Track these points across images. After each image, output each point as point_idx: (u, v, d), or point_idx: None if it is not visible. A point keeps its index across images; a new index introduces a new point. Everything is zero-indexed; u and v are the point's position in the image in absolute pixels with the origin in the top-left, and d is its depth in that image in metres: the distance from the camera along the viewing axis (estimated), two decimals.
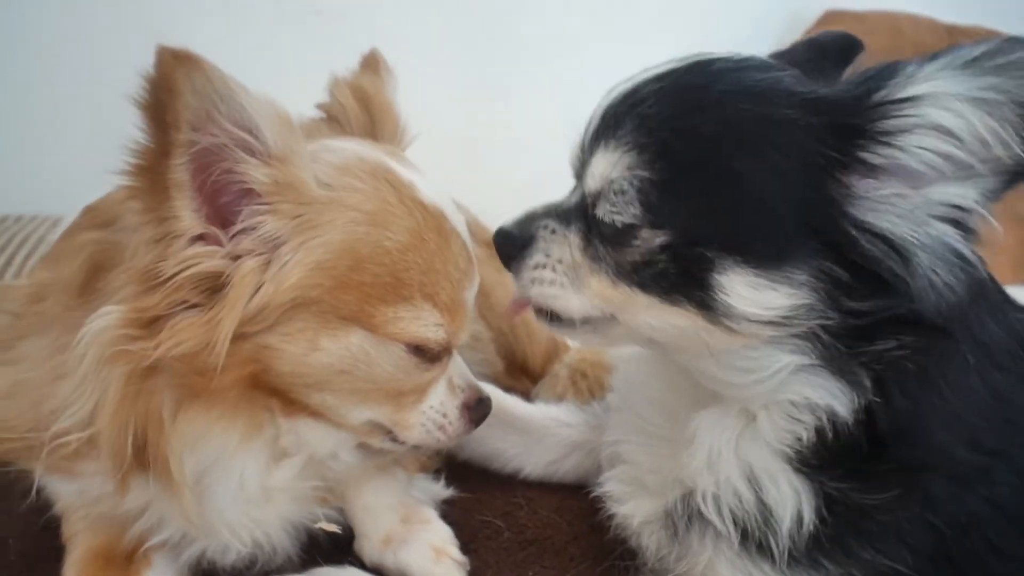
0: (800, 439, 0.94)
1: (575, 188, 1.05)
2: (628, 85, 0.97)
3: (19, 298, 1.09)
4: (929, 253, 0.84)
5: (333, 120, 1.19)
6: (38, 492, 1.11)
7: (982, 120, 0.79)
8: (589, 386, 1.58)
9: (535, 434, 1.38)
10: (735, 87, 0.92)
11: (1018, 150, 0.79)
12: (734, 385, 0.98)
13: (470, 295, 1.04)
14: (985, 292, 0.97)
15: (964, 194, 0.83)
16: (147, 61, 0.80)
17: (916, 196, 0.84)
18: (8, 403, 1.02)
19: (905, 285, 0.85)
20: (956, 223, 0.84)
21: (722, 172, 0.89)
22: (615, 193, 0.92)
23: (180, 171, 0.84)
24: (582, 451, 1.36)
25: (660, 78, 0.95)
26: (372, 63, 1.24)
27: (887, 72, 0.85)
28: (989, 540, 0.97)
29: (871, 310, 0.88)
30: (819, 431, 0.93)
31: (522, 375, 1.62)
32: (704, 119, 0.90)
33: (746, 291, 0.88)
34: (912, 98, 0.82)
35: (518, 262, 1.03)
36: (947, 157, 0.81)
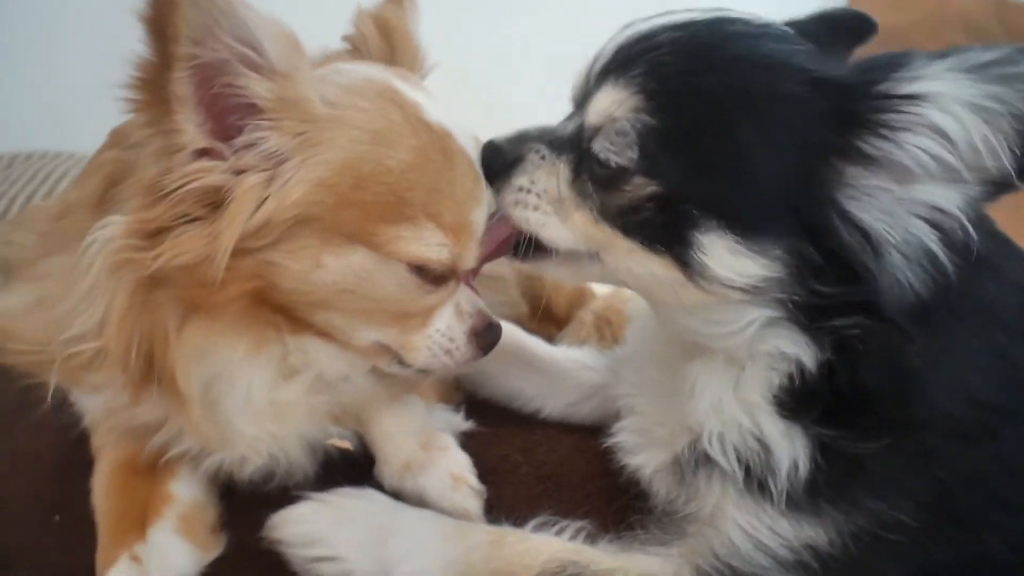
0: (775, 383, 0.97)
1: (571, 116, 1.05)
2: (645, 27, 0.97)
3: (46, 218, 1.14)
4: (902, 254, 0.85)
5: (356, 51, 1.19)
6: (70, 406, 1.17)
7: (978, 128, 0.79)
8: (613, 333, 1.57)
9: (556, 375, 1.38)
10: (751, 53, 0.92)
11: (1006, 162, 0.79)
12: (710, 336, 1.00)
13: (478, 217, 1.03)
14: (984, 255, 0.94)
15: (948, 197, 0.84)
16: None
17: (900, 191, 0.85)
18: (32, 318, 1.06)
19: (873, 279, 0.86)
20: (935, 225, 0.85)
21: (724, 136, 0.90)
22: (616, 133, 0.93)
23: (181, 84, 0.85)
24: (602, 394, 1.36)
25: (679, 27, 0.95)
26: None
27: (896, 63, 0.85)
28: (996, 494, 0.98)
29: (835, 294, 0.90)
30: (789, 377, 0.96)
31: (546, 320, 1.61)
32: (716, 80, 0.91)
33: (724, 254, 0.90)
34: (915, 95, 0.82)
35: (502, 179, 1.03)
36: (938, 159, 0.82)
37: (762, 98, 0.89)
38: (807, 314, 0.92)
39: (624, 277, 1.00)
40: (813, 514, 0.98)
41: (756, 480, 1.00)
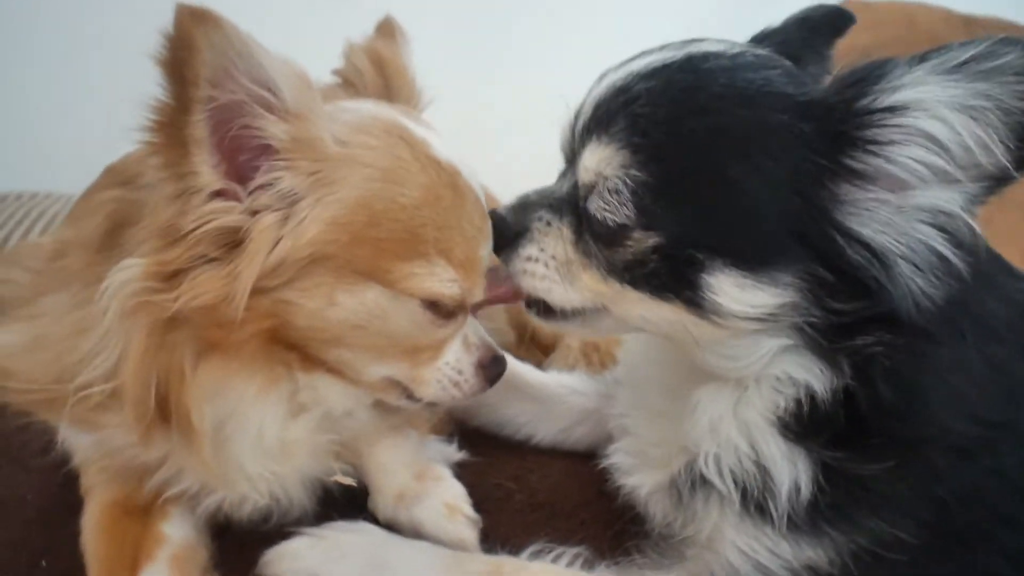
0: (780, 407, 0.97)
1: (566, 173, 1.06)
2: (619, 78, 0.97)
3: (40, 256, 1.12)
4: (910, 263, 0.85)
5: (349, 85, 1.20)
6: (55, 447, 1.13)
7: (967, 128, 0.79)
8: (600, 358, 1.59)
9: (547, 402, 1.39)
10: (729, 89, 0.92)
11: (1001, 158, 0.79)
12: (724, 368, 1.01)
13: (485, 252, 1.05)
14: (982, 269, 0.96)
15: (948, 199, 0.84)
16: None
17: (900, 201, 0.85)
18: (30, 357, 1.03)
19: (886, 291, 0.86)
20: (940, 227, 0.85)
21: (715, 177, 0.90)
22: (609, 192, 0.93)
23: (199, 127, 0.85)
24: (593, 419, 1.38)
25: (653, 75, 0.95)
26: (387, 29, 1.25)
27: (875, 75, 0.85)
28: (995, 509, 0.99)
29: (853, 310, 0.90)
30: (797, 402, 0.96)
31: (533, 346, 1.63)
32: (698, 123, 0.91)
33: (734, 291, 0.91)
34: (899, 106, 0.82)
35: (510, 251, 1.05)
36: (931, 165, 0.82)
37: (747, 133, 0.90)
38: (826, 335, 0.92)
39: (638, 324, 1.00)
40: (813, 535, 0.99)
41: (755, 502, 1.00)
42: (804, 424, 0.97)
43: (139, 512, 1.12)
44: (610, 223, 0.94)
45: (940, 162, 0.82)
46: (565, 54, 2.31)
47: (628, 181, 0.91)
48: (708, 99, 0.91)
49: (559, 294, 1.03)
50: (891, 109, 0.83)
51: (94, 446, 1.10)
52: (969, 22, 2.92)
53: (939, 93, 0.80)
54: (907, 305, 0.86)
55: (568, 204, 1.03)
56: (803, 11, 1.15)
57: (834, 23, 1.16)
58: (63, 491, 1.17)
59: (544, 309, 1.08)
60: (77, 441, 1.12)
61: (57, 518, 1.16)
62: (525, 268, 1.04)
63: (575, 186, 1.01)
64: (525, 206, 1.06)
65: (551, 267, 1.03)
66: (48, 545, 1.14)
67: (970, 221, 0.84)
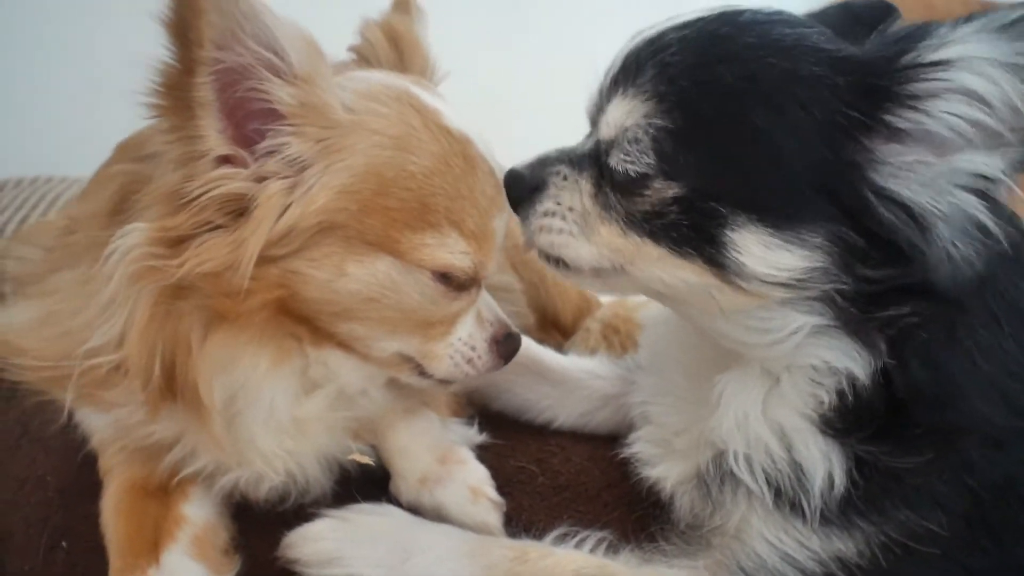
0: (823, 402, 0.93)
1: (590, 134, 1.04)
2: (652, 32, 0.96)
3: (52, 233, 1.12)
4: (949, 224, 0.82)
5: (363, 60, 1.19)
6: (74, 428, 1.14)
7: (1014, 86, 0.77)
8: (621, 341, 1.56)
9: (568, 385, 1.36)
10: (762, 40, 0.90)
11: None
12: (750, 345, 0.96)
13: (499, 224, 1.03)
14: (1016, 254, 0.93)
15: (990, 163, 0.81)
16: None
17: (940, 164, 0.82)
18: (41, 333, 1.03)
19: (921, 255, 0.83)
20: (980, 193, 0.82)
21: (742, 126, 0.87)
22: (629, 142, 0.91)
23: (205, 89, 0.84)
24: (614, 404, 1.34)
25: (686, 26, 0.93)
26: (403, 4, 1.23)
27: (919, 33, 0.82)
28: None
29: (884, 278, 0.87)
30: (840, 394, 0.92)
31: (553, 329, 1.61)
32: (728, 70, 0.88)
33: (759, 250, 0.87)
34: (943, 61, 0.79)
35: (527, 207, 1.02)
36: (976, 124, 0.79)
37: (778, 82, 0.86)
38: (858, 305, 0.89)
39: (656, 287, 0.97)
40: (843, 527, 0.95)
41: (787, 499, 0.97)
42: (848, 418, 0.93)
43: (159, 493, 1.11)
44: (631, 173, 0.91)
45: (985, 120, 0.78)
46: (588, 29, 2.28)
47: (650, 129, 0.89)
48: (739, 48, 0.89)
49: (575, 250, 1.00)
50: (935, 64, 0.80)
51: (109, 426, 1.09)
52: (988, 6, 2.88)
53: (986, 50, 0.77)
54: (944, 270, 0.83)
55: (589, 160, 1.00)
56: (847, 1, 1.13)
57: (878, 15, 1.12)
58: (83, 471, 1.16)
59: (560, 262, 1.04)
60: (93, 422, 1.12)
61: (78, 498, 1.15)
62: (542, 224, 1.01)
63: (597, 143, 0.99)
64: (543, 162, 1.03)
65: (568, 220, 0.99)
66: (69, 525, 1.14)
67: (1013, 186, 0.81)
